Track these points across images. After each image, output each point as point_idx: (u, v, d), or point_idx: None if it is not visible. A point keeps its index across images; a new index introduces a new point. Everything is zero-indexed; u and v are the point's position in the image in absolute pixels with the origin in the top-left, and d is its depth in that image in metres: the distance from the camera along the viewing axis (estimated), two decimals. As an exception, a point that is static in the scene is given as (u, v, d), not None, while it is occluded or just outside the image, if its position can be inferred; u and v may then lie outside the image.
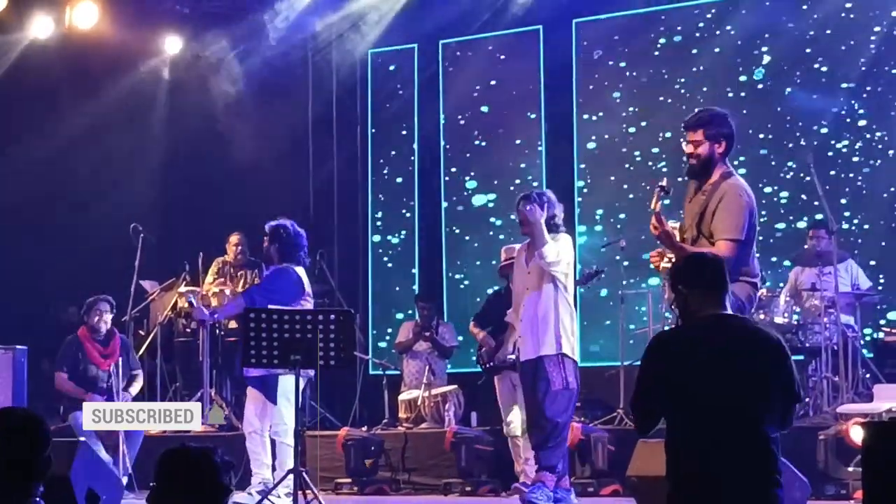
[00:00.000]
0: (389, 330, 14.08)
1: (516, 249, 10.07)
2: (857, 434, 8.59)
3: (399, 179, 14.47)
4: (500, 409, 9.70)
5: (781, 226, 12.31)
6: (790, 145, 12.43)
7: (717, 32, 12.86)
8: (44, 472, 4.13)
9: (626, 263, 11.65)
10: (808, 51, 12.44)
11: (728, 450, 4.67)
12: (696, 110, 7.21)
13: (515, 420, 9.48)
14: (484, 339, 10.01)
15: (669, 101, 12.94)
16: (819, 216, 11.21)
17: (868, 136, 12.15)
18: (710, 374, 4.73)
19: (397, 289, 14.27)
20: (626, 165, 13.17)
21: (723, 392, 4.70)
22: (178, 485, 4.03)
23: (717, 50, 12.86)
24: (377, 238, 14.52)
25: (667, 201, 6.91)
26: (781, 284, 11.40)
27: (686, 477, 4.73)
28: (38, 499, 4.08)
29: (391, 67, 14.62)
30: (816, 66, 12.42)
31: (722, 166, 7.00)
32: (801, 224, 12.11)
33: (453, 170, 14.17)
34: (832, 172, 12.03)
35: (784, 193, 12.37)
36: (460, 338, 12.26)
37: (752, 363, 4.76)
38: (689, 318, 4.97)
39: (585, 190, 13.43)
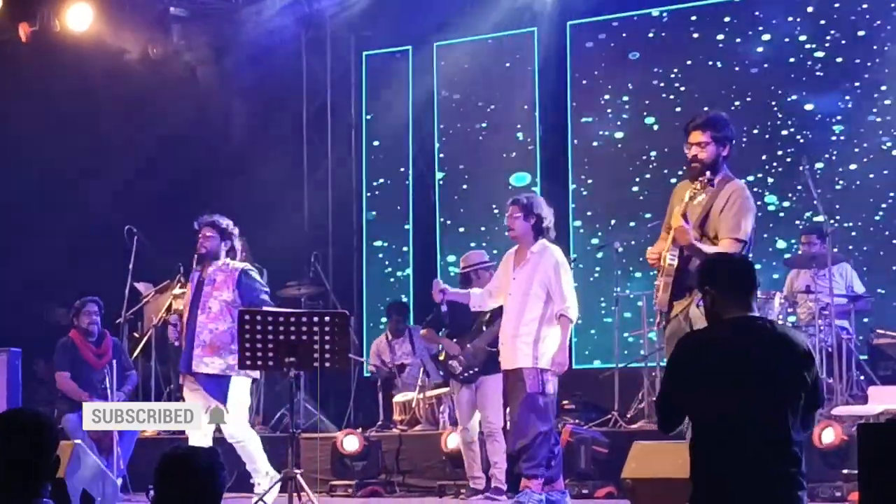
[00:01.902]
0: (382, 327, 14.12)
1: (484, 255, 10.08)
2: (827, 436, 8.66)
3: (393, 181, 14.46)
4: (459, 414, 9.72)
5: (772, 202, 12.36)
6: (786, 141, 12.44)
7: (712, 29, 12.87)
8: (53, 473, 4.15)
9: (620, 265, 11.64)
10: (806, 46, 12.48)
11: (747, 452, 4.62)
12: (702, 112, 7.22)
13: (473, 427, 9.57)
14: (449, 345, 9.93)
15: (663, 97, 12.97)
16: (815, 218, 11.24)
17: (863, 130, 12.17)
18: (729, 378, 4.69)
19: (392, 289, 14.27)
20: (621, 165, 13.17)
21: (741, 395, 4.66)
22: (176, 488, 4.07)
23: (713, 49, 12.87)
24: (371, 239, 14.51)
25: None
26: (776, 276, 11.47)
27: (707, 479, 4.69)
28: (46, 499, 4.09)
29: (386, 69, 14.62)
30: (810, 63, 12.45)
31: (723, 169, 7.03)
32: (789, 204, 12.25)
33: (447, 170, 14.16)
34: (823, 166, 12.07)
35: (770, 179, 12.41)
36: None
37: (773, 367, 4.70)
38: (715, 320, 4.93)
39: (580, 190, 13.43)
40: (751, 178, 12.22)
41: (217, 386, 8.60)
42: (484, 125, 14.02)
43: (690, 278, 6.86)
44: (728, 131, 7.05)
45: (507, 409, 8.92)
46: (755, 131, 12.50)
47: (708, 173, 6.94)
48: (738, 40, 12.79)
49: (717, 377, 4.71)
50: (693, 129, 7.04)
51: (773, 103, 12.57)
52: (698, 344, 4.94)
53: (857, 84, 12.25)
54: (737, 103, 12.58)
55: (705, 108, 12.11)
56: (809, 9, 12.48)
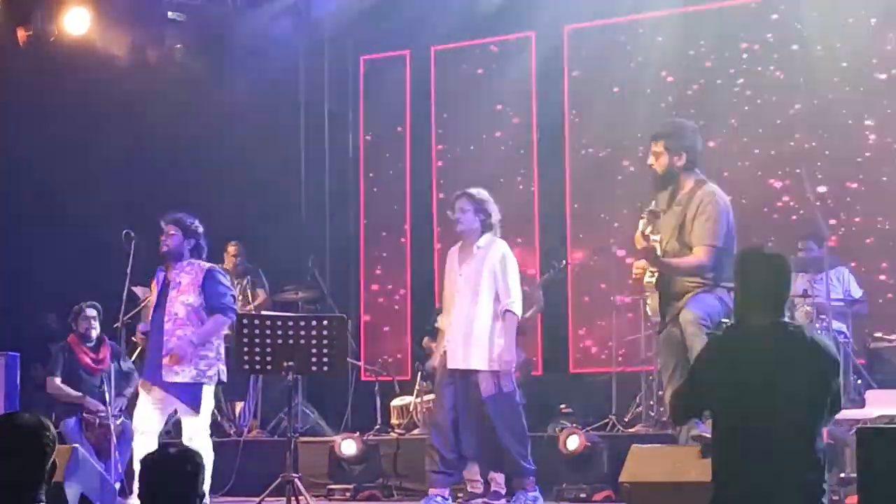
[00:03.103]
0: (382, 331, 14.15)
1: None
2: None
3: (391, 185, 14.46)
4: None
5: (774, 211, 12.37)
6: (780, 147, 12.44)
7: (709, 37, 12.88)
8: (50, 477, 4.19)
9: (618, 270, 11.65)
10: (795, 48, 12.48)
11: (772, 459, 4.59)
12: (664, 122, 7.31)
13: None
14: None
15: (662, 106, 12.94)
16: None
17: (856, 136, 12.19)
18: (756, 384, 4.65)
19: (389, 294, 14.27)
20: (619, 170, 13.17)
21: (769, 402, 4.63)
22: (155, 489, 4.18)
23: (710, 56, 12.88)
24: (369, 243, 14.51)
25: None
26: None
27: (731, 484, 4.64)
28: (41, 503, 4.12)
29: (383, 74, 14.62)
30: (806, 67, 12.46)
31: (691, 176, 7.07)
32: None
33: (445, 176, 14.16)
34: (821, 185, 12.08)
35: (777, 184, 12.40)
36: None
37: (803, 375, 4.67)
38: (742, 318, 4.85)
39: (578, 191, 13.43)
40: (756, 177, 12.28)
41: (191, 394, 8.42)
42: (481, 128, 14.02)
43: (675, 287, 6.91)
44: (684, 141, 7.11)
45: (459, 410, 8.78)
46: (745, 139, 12.52)
47: (653, 206, 7.01)
48: (735, 46, 12.77)
49: (744, 383, 4.66)
50: (651, 140, 7.15)
51: (767, 108, 12.57)
52: (726, 348, 4.87)
53: (851, 91, 12.25)
54: (735, 113, 12.61)
55: (693, 111, 12.25)
56: (812, 13, 12.45)
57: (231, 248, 12.35)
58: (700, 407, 4.91)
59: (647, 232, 6.91)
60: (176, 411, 8.74)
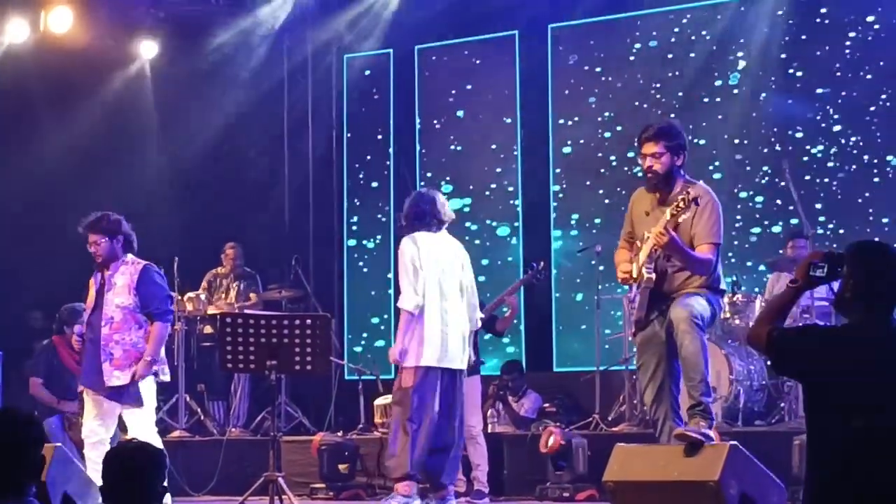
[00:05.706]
0: (365, 335, 14.10)
1: None
2: None
3: (374, 184, 14.46)
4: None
5: (756, 230, 12.36)
6: (765, 150, 12.47)
7: (693, 38, 12.90)
8: (38, 472, 4.19)
9: (601, 268, 11.65)
10: (783, 56, 12.50)
11: (887, 466, 4.28)
12: (652, 123, 7.22)
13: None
14: None
15: (645, 106, 12.97)
16: (794, 221, 11.27)
17: (843, 140, 12.19)
18: (880, 383, 4.32)
19: (373, 293, 14.25)
20: (602, 170, 13.20)
21: (870, 404, 4.31)
22: (116, 483, 4.26)
23: (692, 55, 12.89)
24: (353, 242, 14.50)
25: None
26: (757, 289, 11.46)
27: (821, 485, 4.45)
28: (31, 498, 4.11)
29: (367, 72, 14.62)
30: (791, 70, 12.48)
31: (681, 176, 7.03)
32: (776, 228, 12.23)
33: (429, 174, 14.16)
34: (807, 178, 12.08)
35: (759, 198, 12.41)
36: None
37: None
38: (850, 311, 4.46)
39: (561, 195, 13.44)
40: (736, 190, 12.29)
41: (129, 393, 8.20)
42: (465, 127, 14.02)
43: (666, 286, 6.89)
44: (681, 139, 7.05)
45: None
46: (735, 140, 12.53)
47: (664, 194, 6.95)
48: (720, 48, 12.78)
49: (864, 382, 4.33)
50: (646, 141, 7.01)
51: (754, 113, 12.59)
52: (851, 344, 4.43)
53: (838, 94, 12.25)
54: (719, 116, 12.62)
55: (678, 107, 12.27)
56: (790, 21, 12.48)
57: (230, 251, 12.37)
58: (785, 367, 4.70)
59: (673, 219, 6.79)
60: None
